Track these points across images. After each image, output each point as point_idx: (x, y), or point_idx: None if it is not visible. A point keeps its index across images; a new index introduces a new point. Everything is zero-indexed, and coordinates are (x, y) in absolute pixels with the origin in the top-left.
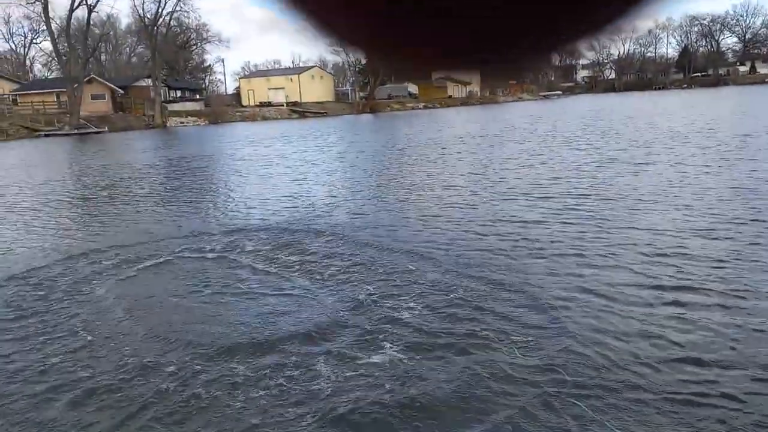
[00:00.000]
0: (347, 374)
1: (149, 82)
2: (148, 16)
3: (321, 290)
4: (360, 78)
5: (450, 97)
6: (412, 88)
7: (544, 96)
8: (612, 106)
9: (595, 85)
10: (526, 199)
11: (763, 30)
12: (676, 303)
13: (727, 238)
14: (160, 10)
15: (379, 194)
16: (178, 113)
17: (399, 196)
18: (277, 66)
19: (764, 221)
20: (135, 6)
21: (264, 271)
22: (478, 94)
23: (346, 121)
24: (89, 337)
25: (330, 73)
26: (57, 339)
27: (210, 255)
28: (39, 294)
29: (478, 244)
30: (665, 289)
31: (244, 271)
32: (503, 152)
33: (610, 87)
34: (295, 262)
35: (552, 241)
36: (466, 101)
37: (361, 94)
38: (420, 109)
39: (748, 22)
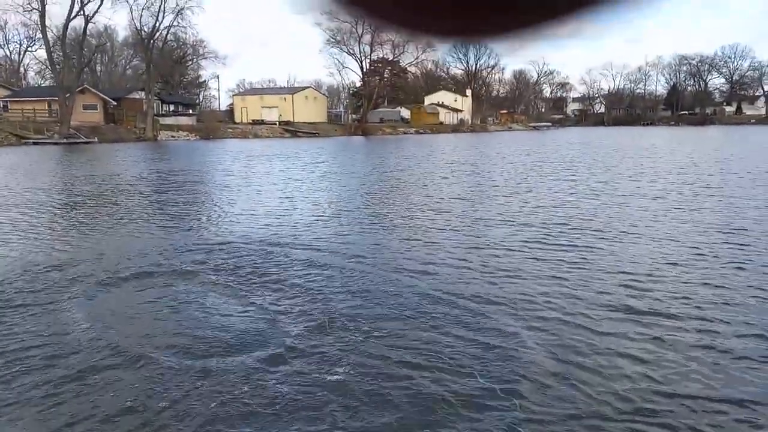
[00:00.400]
0: (303, 392)
1: (143, 94)
2: (145, 30)
3: (291, 308)
4: (353, 101)
5: (441, 123)
6: (404, 113)
7: (533, 127)
8: (600, 140)
9: (585, 118)
10: (509, 226)
11: (749, 72)
12: (647, 326)
13: (700, 269)
14: (157, 24)
15: (363, 215)
16: (170, 127)
17: (383, 217)
18: (272, 85)
19: (737, 254)
20: (132, 19)
21: (238, 287)
22: (470, 122)
23: (337, 142)
24: (46, 349)
25: (324, 94)
26: (12, 351)
27: (187, 270)
28: (3, 301)
29: (458, 265)
30: (638, 313)
31: (218, 287)
32: (489, 180)
33: (600, 121)
34: (271, 279)
35: (532, 267)
36: (457, 128)
37: (354, 116)
38: (411, 134)
39: (735, 64)
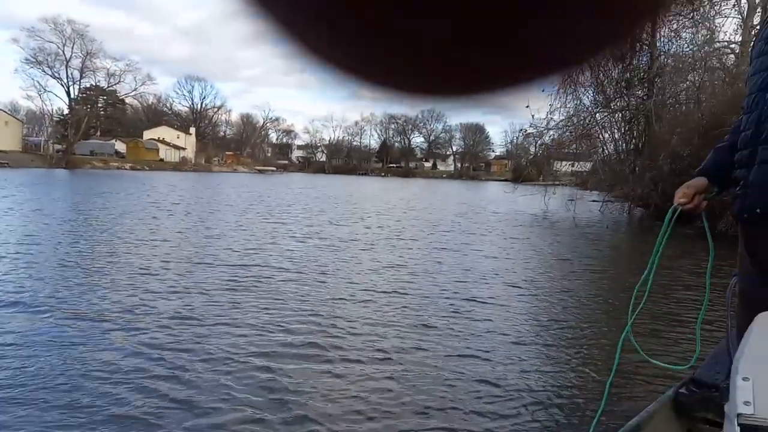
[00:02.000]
0: None
1: None
2: None
3: None
4: (59, 129)
5: (162, 160)
6: (120, 147)
7: (258, 170)
8: (318, 187)
9: (308, 165)
10: (208, 269)
11: (442, 134)
12: (328, 361)
13: (370, 302)
14: None
15: (49, 259)
16: None
17: (76, 261)
18: None
19: (403, 289)
20: None
21: None
22: (193, 160)
23: (31, 174)
24: None
25: (20, 120)
26: None
27: None
28: None
29: (138, 310)
30: (320, 348)
31: None
32: (204, 222)
33: (321, 168)
34: None
35: (223, 309)
36: (179, 166)
37: (58, 146)
38: (126, 169)
39: (432, 126)
